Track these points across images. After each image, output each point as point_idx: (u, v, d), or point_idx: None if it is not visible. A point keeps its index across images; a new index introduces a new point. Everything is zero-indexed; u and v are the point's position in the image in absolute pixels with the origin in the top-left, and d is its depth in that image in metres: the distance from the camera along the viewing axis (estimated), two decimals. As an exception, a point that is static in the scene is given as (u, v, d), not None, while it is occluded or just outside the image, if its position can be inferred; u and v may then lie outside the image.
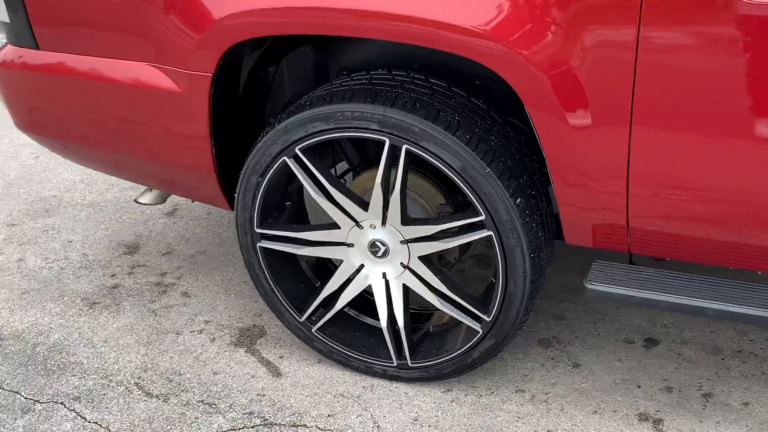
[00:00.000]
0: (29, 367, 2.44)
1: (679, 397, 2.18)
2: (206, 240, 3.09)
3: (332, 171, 2.37)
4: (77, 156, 2.59)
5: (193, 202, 2.90)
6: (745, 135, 1.66)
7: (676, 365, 2.29)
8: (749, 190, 1.72)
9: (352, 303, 2.32)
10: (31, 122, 2.53)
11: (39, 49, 2.30)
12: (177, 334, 2.56)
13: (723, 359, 2.30)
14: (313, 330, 2.32)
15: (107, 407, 2.26)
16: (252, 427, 2.18)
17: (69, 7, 2.21)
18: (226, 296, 2.75)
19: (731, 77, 1.61)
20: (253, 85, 2.30)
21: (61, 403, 2.29)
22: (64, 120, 2.44)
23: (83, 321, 2.65)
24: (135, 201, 2.75)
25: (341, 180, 2.28)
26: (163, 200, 2.69)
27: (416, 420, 2.16)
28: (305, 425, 2.16)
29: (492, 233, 1.96)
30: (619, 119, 1.73)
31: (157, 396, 2.30)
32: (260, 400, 2.27)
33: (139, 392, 2.31)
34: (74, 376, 2.40)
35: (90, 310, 2.71)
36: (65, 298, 2.78)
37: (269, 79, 2.34)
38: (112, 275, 2.91)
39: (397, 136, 1.94)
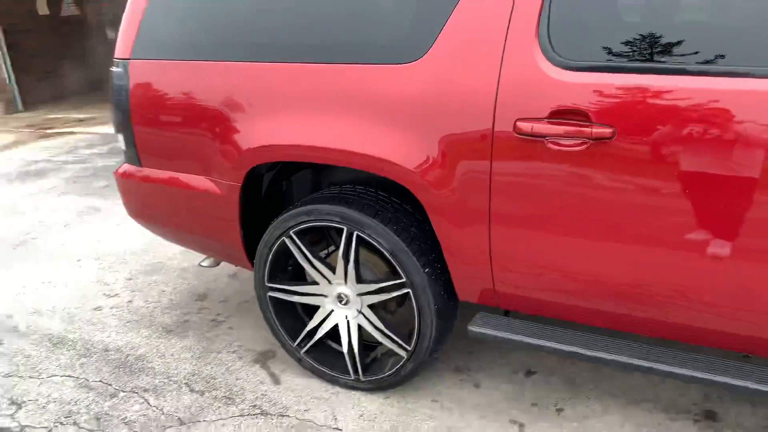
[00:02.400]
0: (120, 369, 2.65)
1: (540, 410, 2.25)
2: (251, 293, 3.27)
3: (325, 251, 2.54)
4: (164, 235, 2.75)
5: (235, 266, 3.09)
6: (563, 232, 1.79)
7: (546, 389, 2.36)
8: (569, 268, 1.83)
9: (328, 335, 2.45)
10: (136, 212, 2.72)
11: (142, 166, 2.57)
12: (218, 353, 2.74)
13: (577, 384, 2.36)
14: (302, 353, 2.47)
15: (164, 397, 2.45)
16: (254, 414, 2.33)
17: (159, 142, 2.44)
18: (254, 330, 2.90)
19: (547, 193, 1.76)
20: (273, 192, 2.52)
21: (136, 393, 2.48)
22: (155, 211, 2.64)
23: (161, 342, 2.86)
24: (198, 264, 2.97)
25: (324, 255, 2.46)
26: (217, 264, 2.87)
27: (362, 416, 2.28)
28: (288, 415, 2.31)
29: (410, 290, 2.10)
30: (482, 221, 1.87)
31: (197, 392, 2.47)
32: (263, 398, 2.42)
33: (186, 388, 2.50)
34: (148, 376, 2.60)
35: (167, 335, 2.91)
36: (153, 327, 3.00)
37: (283, 189, 2.56)
38: (186, 314, 3.11)
39: (351, 226, 2.12)
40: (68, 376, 2.64)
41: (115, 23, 11.98)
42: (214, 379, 2.55)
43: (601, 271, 1.78)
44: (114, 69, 2.49)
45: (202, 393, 2.46)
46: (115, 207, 4.81)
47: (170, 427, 2.28)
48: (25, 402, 2.48)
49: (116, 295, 3.36)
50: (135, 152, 2.52)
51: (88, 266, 3.75)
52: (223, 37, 2.24)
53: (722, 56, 1.54)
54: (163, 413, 2.35)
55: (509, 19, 1.71)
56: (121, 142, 2.56)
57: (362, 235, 2.11)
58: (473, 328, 2.08)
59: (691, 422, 2.14)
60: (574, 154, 1.69)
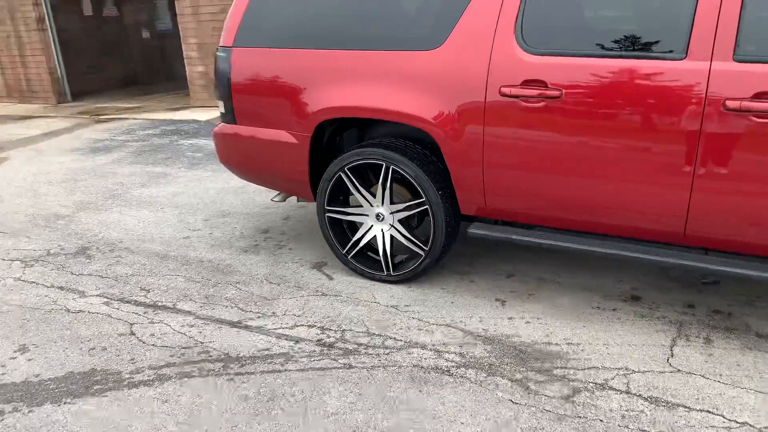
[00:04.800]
0: (215, 271, 3.61)
1: (517, 294, 3.20)
2: (302, 227, 4.19)
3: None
4: (248, 177, 3.65)
5: (298, 200, 3.96)
6: (530, 166, 2.72)
7: (522, 283, 3.29)
8: (535, 190, 2.75)
9: (365, 247, 3.36)
10: (228, 160, 3.63)
11: (237, 124, 3.51)
12: (284, 263, 3.68)
13: (545, 281, 3.31)
14: (349, 257, 3.43)
15: (251, 285, 3.40)
16: (318, 295, 3.25)
17: (252, 107, 3.35)
18: (309, 250, 3.83)
19: (519, 139, 2.69)
20: (331, 143, 3.46)
21: (230, 284, 3.44)
22: (245, 157, 3.53)
23: (241, 257, 3.80)
24: (271, 200, 3.94)
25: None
26: (285, 199, 3.82)
27: (392, 296, 3.21)
28: (341, 295, 3.25)
29: (428, 206, 3.04)
30: (477, 164, 2.81)
31: (274, 283, 3.41)
32: (322, 287, 3.35)
33: (266, 282, 3.45)
34: (236, 275, 3.54)
35: (244, 253, 3.85)
36: (232, 249, 3.94)
37: (337, 141, 3.49)
38: (255, 241, 4.05)
39: (389, 161, 3.04)
40: (177, 275, 3.61)
41: (150, 24, 13.01)
42: (285, 276, 3.51)
43: (556, 192, 2.73)
44: (219, 54, 3.46)
45: (278, 284, 3.43)
46: (179, 172, 5.80)
47: (258, 301, 3.24)
48: (151, 289, 3.45)
49: (198, 229, 4.33)
50: (232, 115, 3.48)
51: (170, 212, 4.73)
52: (302, 30, 3.21)
53: (621, 45, 2.51)
54: (252, 294, 3.32)
55: (497, 22, 2.69)
56: (221, 106, 3.53)
57: (396, 167, 3.06)
58: (473, 230, 3.03)
59: (621, 301, 3.09)
60: (536, 109, 2.66)
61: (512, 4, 2.66)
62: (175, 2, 9.04)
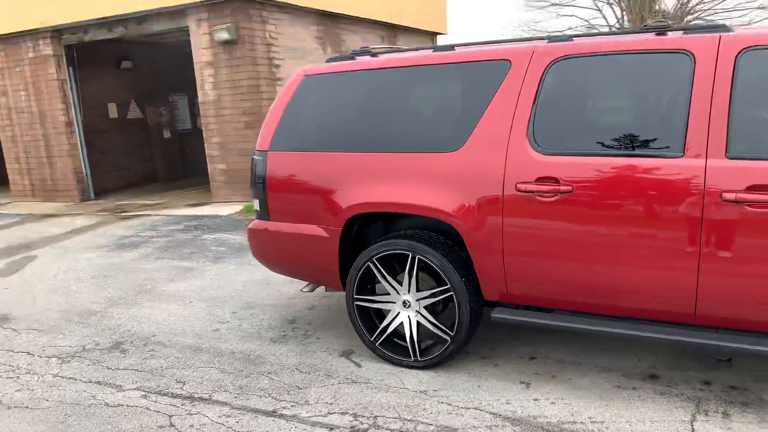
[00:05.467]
0: (247, 362, 3.77)
1: (540, 376, 3.34)
2: (327, 317, 4.38)
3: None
4: (280, 269, 3.92)
5: (326, 290, 4.18)
6: (547, 255, 2.97)
7: (544, 365, 3.44)
8: (553, 277, 2.98)
9: (391, 334, 3.52)
10: (261, 254, 3.92)
11: (270, 220, 3.81)
12: (313, 352, 3.84)
13: (565, 362, 3.46)
14: (377, 344, 3.61)
15: (282, 375, 3.55)
16: (348, 383, 3.40)
17: (285, 204, 3.66)
18: (336, 338, 4.00)
19: (537, 230, 2.96)
20: (359, 235, 3.71)
21: (262, 374, 3.60)
22: (277, 251, 3.80)
23: (270, 347, 3.97)
24: (301, 290, 4.16)
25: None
26: (313, 290, 4.05)
27: (420, 382, 3.36)
28: (370, 382, 3.39)
29: (453, 293, 3.26)
30: (498, 252, 3.06)
31: (305, 372, 3.57)
32: (351, 374, 3.50)
33: (297, 371, 3.59)
34: (267, 365, 3.70)
35: (273, 344, 4.03)
36: (261, 339, 4.11)
37: (365, 233, 3.76)
38: (283, 331, 4.23)
39: (415, 251, 3.29)
40: (211, 367, 3.77)
41: (170, 124, 13.77)
42: (314, 365, 3.67)
43: (573, 277, 2.96)
44: (255, 157, 3.82)
45: (308, 373, 3.58)
46: (204, 266, 6.06)
47: (291, 390, 3.38)
48: (187, 381, 3.61)
49: (227, 321, 4.53)
50: (267, 212, 3.79)
51: (198, 305, 4.94)
52: (333, 136, 3.57)
53: (630, 145, 2.82)
54: (284, 383, 3.47)
55: (511, 127, 3.03)
56: (256, 204, 3.84)
57: (422, 257, 3.30)
58: (496, 315, 3.23)
59: (640, 380, 3.23)
60: (551, 203, 2.94)
61: (524, 112, 3.01)
62: (200, 105, 9.68)
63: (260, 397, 3.32)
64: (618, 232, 2.82)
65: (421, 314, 3.44)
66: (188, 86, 11.95)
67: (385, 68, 3.49)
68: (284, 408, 3.17)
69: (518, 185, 2.98)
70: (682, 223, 2.70)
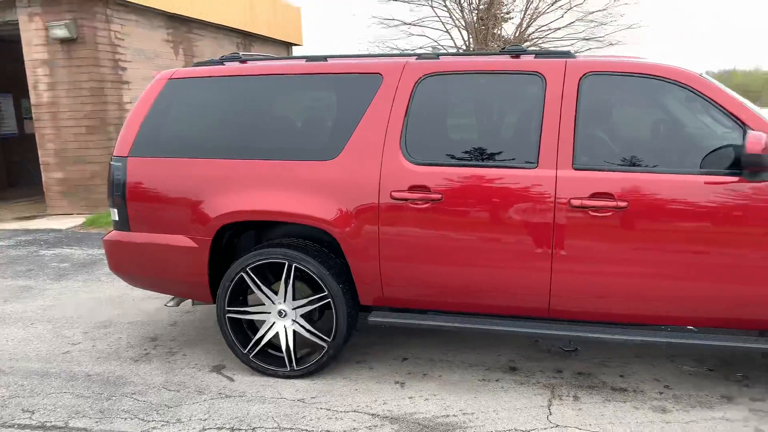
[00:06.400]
0: (106, 384, 3.50)
1: (412, 375, 3.51)
2: (192, 332, 4.20)
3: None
4: (142, 284, 3.71)
5: (193, 304, 4.01)
6: (420, 259, 3.14)
7: (415, 366, 3.62)
8: (426, 280, 3.16)
9: (266, 344, 3.47)
10: (120, 268, 3.68)
11: (131, 231, 3.57)
12: (180, 369, 3.68)
13: (434, 361, 3.66)
14: (251, 357, 3.53)
15: (149, 395, 3.36)
16: (222, 398, 3.30)
17: (148, 214, 3.48)
18: (204, 354, 3.86)
19: (410, 237, 3.14)
20: (230, 245, 3.63)
21: (125, 395, 3.37)
22: (139, 264, 3.59)
23: (132, 367, 3.72)
24: (165, 305, 3.95)
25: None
26: (179, 304, 3.87)
27: (297, 390, 3.36)
28: (246, 395, 3.33)
29: (331, 300, 3.31)
30: (375, 258, 3.17)
31: (174, 390, 3.40)
32: (224, 389, 3.40)
33: (164, 389, 3.42)
34: (130, 386, 3.48)
35: (135, 363, 3.78)
36: (121, 359, 3.84)
37: (236, 242, 3.68)
38: (145, 349, 3.99)
39: (291, 259, 3.30)
40: (63, 392, 3.45)
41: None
42: (183, 383, 3.51)
43: (444, 279, 3.16)
44: (113, 163, 3.58)
45: (177, 391, 3.42)
46: (45, 285, 5.50)
47: (160, 410, 3.21)
48: (36, 409, 3.27)
49: (79, 343, 4.16)
50: (127, 221, 3.56)
51: (42, 327, 4.48)
52: (202, 142, 3.47)
53: (493, 156, 3.10)
54: (152, 404, 3.28)
55: (384, 138, 3.18)
56: (114, 214, 3.60)
57: (299, 265, 3.32)
58: (372, 318, 3.34)
59: (502, 372, 3.53)
60: (423, 209, 3.13)
61: (396, 124, 3.17)
62: (32, 107, 8.76)
63: (126, 419, 3.11)
64: (483, 236, 3.08)
65: (297, 323, 3.45)
66: (15, 85, 10.75)
67: (259, 75, 3.48)
68: (154, 428, 3.01)
69: (393, 193, 3.13)
70: (537, 227, 3.02)
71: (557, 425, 2.93)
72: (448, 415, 3.05)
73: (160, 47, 9.87)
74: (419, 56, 3.35)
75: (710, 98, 2.93)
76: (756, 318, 2.96)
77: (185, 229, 3.45)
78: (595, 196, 2.94)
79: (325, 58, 3.51)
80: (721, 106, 2.91)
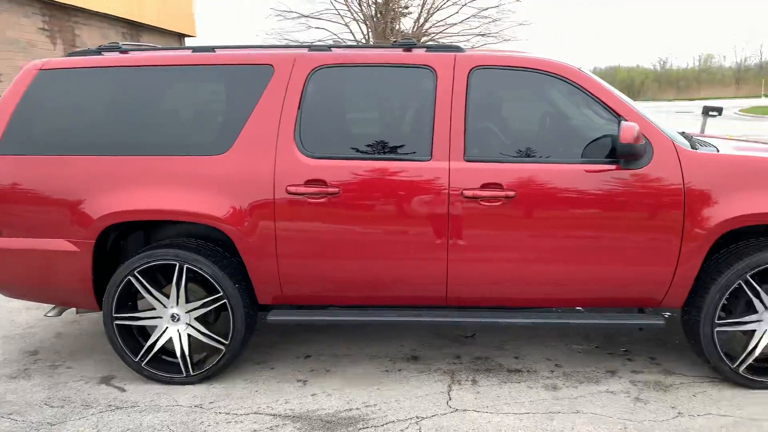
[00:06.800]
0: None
1: (315, 372, 3.48)
2: (78, 343, 3.93)
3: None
4: (16, 293, 3.43)
5: (77, 312, 3.73)
6: (318, 255, 3.11)
7: (318, 362, 3.59)
8: (325, 275, 3.14)
9: (161, 349, 3.31)
10: None
11: (2, 237, 3.25)
12: (65, 383, 3.42)
13: (338, 356, 3.65)
14: (143, 365, 3.35)
15: (29, 414, 3.11)
16: (111, 410, 3.11)
17: (20, 217, 3.20)
18: (91, 365, 3.62)
19: (308, 232, 3.09)
20: (116, 247, 3.42)
21: (1, 417, 3.10)
22: (11, 272, 3.30)
23: (9, 385, 3.41)
24: (45, 315, 3.65)
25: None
26: (60, 313, 3.58)
27: (195, 396, 3.23)
28: (139, 405, 3.16)
29: (227, 301, 3.21)
30: (272, 256, 3.10)
31: (57, 406, 3.16)
32: (115, 401, 3.21)
33: (47, 407, 3.17)
34: (7, 405, 3.20)
35: (13, 380, 3.47)
36: (-5, 376, 3.54)
37: (124, 244, 3.47)
38: (25, 365, 3.67)
39: (182, 261, 3.16)
40: (-74, 418, 3.12)
41: None
42: (68, 398, 3.28)
43: (344, 273, 3.15)
44: (-22, 163, 3.26)
45: (61, 407, 3.19)
46: None
47: (42, 428, 2.98)
48: None
49: (-56, 362, 3.77)
50: (-7, 223, 3.25)
51: None
52: (80, 138, 3.25)
53: (387, 149, 3.12)
54: (32, 423, 3.03)
55: (278, 131, 3.11)
56: (-20, 219, 3.28)
57: (191, 266, 3.19)
58: (272, 317, 3.27)
59: (405, 361, 3.58)
60: (320, 204, 3.10)
61: (290, 116, 3.12)
62: None
63: (0, 443, 2.85)
64: (380, 229, 3.10)
65: (192, 327, 3.32)
66: None
67: (141, 66, 3.29)
68: (34, 450, 2.78)
69: (288, 188, 3.07)
70: (433, 218, 3.08)
71: (456, 409, 3.02)
72: (351, 409, 3.05)
73: (35, 36, 9.14)
74: (310, 47, 3.31)
75: (588, 91, 3.11)
76: (635, 296, 3.19)
77: (65, 233, 3.21)
78: (485, 186, 3.04)
79: (212, 48, 3.38)
80: (598, 98, 3.10)
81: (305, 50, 3.28)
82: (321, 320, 3.25)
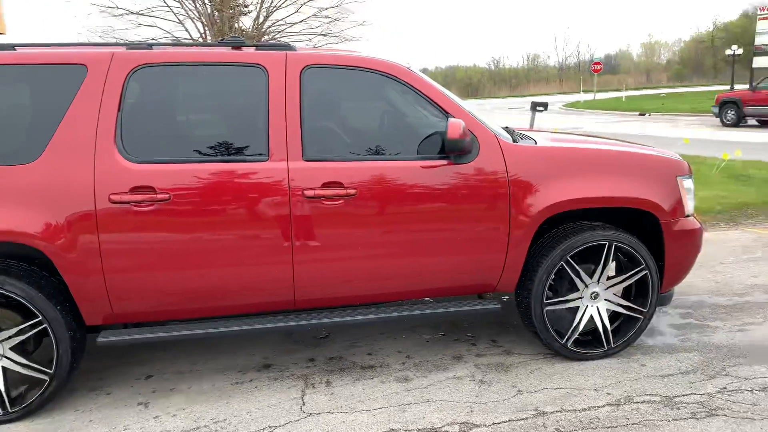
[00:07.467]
0: None
1: (158, 393, 3.27)
2: None
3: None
4: None
5: None
6: (151, 267, 2.91)
7: (161, 382, 3.38)
8: (159, 289, 2.94)
9: None
10: None
11: None
12: None
13: (182, 373, 3.46)
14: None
15: None
16: None
17: None
18: None
19: (136, 243, 2.88)
20: None
21: None
22: None
23: None
24: None
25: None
26: None
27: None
28: None
29: (47, 324, 2.87)
30: (97, 272, 2.85)
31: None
32: None
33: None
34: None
35: None
36: None
37: None
38: None
39: None
40: None
41: None
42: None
43: (182, 285, 2.98)
44: None
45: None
46: None
47: None
48: None
49: None
50: None
51: None
52: None
53: (221, 151, 2.99)
54: None
55: (96, 135, 2.86)
56: None
57: (0, 290, 2.83)
58: (102, 339, 3.01)
59: (256, 371, 3.48)
60: (149, 212, 2.90)
61: (109, 119, 2.88)
62: None
63: None
64: (218, 235, 2.98)
65: (6, 357, 2.95)
66: None
67: None
68: None
69: (111, 197, 2.85)
70: (275, 221, 3.02)
71: (311, 414, 2.99)
72: (198, 427, 2.91)
73: None
74: (129, 46, 3.08)
75: (417, 89, 3.23)
76: (474, 283, 3.38)
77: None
78: (326, 185, 3.04)
79: (13, 46, 3.03)
80: (426, 96, 3.24)
81: (123, 48, 3.05)
82: (157, 337, 3.05)
